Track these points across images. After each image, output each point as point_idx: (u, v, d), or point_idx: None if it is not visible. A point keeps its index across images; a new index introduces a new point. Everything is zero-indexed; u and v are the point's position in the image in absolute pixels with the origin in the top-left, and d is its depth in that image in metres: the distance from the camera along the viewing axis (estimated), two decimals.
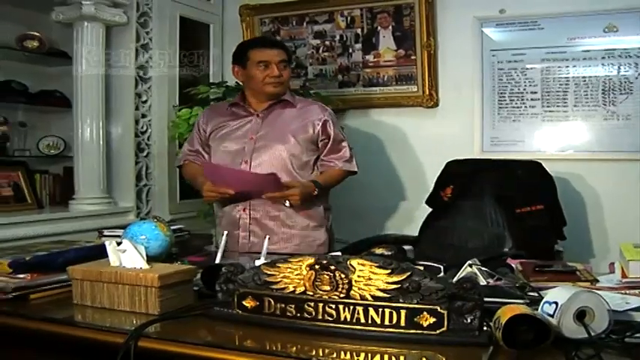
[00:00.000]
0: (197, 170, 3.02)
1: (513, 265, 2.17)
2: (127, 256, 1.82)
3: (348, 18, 4.29)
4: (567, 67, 3.80)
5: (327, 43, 4.36)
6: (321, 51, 4.39)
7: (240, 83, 3.18)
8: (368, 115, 4.32)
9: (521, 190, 3.24)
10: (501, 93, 3.97)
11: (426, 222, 3.37)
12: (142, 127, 4.04)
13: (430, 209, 3.46)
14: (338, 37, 4.33)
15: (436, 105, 4.11)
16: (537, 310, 1.47)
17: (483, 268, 1.99)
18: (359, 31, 4.26)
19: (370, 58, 4.25)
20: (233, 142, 2.94)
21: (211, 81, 4.26)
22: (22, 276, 1.92)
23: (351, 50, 4.30)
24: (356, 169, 3.03)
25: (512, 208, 3.14)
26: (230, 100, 3.17)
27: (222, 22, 4.68)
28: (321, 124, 2.92)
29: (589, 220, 3.79)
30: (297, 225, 2.92)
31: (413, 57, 4.12)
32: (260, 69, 2.87)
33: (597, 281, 1.98)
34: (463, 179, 3.33)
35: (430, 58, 4.05)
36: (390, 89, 4.21)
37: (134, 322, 1.66)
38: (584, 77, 3.78)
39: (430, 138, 4.10)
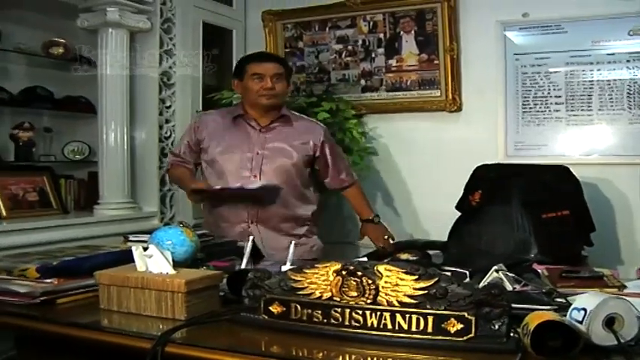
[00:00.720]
0: (184, 173, 3.18)
1: (539, 271, 2.16)
2: (154, 261, 1.83)
3: (371, 23, 4.28)
4: (592, 70, 3.77)
5: (350, 47, 4.36)
6: (343, 56, 4.39)
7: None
8: (391, 120, 4.30)
9: (548, 195, 3.21)
10: (525, 97, 3.94)
11: (455, 227, 3.36)
12: (166, 133, 4.07)
13: (457, 214, 3.45)
14: (360, 42, 4.33)
15: (459, 109, 4.09)
16: (565, 316, 1.46)
17: (509, 274, 1.99)
18: (381, 35, 4.26)
19: (393, 62, 4.25)
20: (238, 155, 3.03)
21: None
22: (49, 281, 1.93)
23: (373, 55, 4.30)
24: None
25: (538, 213, 3.11)
26: (225, 109, 3.30)
27: (245, 27, 4.71)
28: (320, 144, 3.10)
29: (616, 226, 3.74)
30: (297, 234, 3.06)
31: (436, 61, 4.11)
32: (255, 81, 2.99)
33: (625, 287, 1.96)
34: (491, 184, 3.31)
35: (453, 62, 4.04)
36: (413, 94, 4.20)
37: (161, 327, 1.67)
38: (608, 81, 3.74)
39: (454, 143, 4.07)
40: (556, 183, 3.27)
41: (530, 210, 3.11)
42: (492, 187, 3.30)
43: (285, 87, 3.08)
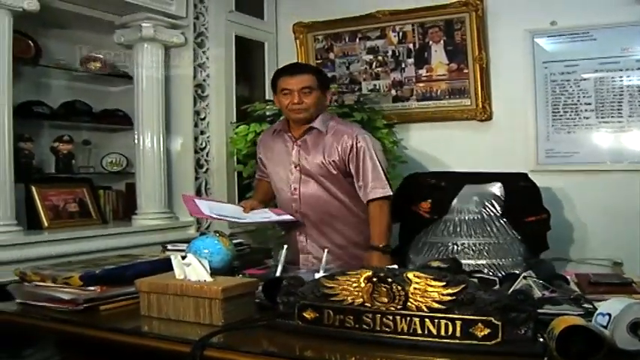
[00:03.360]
0: (260, 187, 3.27)
1: (568, 278, 2.18)
2: (192, 269, 1.89)
3: (400, 33, 4.33)
4: (621, 77, 3.78)
5: (380, 58, 4.42)
6: (374, 66, 4.44)
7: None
8: (422, 129, 4.35)
9: (523, 200, 3.22)
10: (555, 104, 3.95)
11: (407, 239, 3.33)
12: (201, 144, 4.16)
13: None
14: (390, 53, 4.38)
15: (490, 118, 4.12)
16: (591, 321, 1.49)
17: (539, 280, 2.01)
18: (411, 46, 4.31)
19: (423, 72, 4.30)
20: (281, 170, 3.05)
21: (267, 98, 4.35)
22: (92, 288, 2.01)
23: (403, 65, 4.35)
24: (389, 194, 2.95)
25: (520, 217, 3.12)
26: (278, 122, 3.26)
27: (277, 39, 4.79)
28: (347, 154, 2.92)
29: None
30: (349, 245, 3.01)
31: (465, 70, 4.14)
32: (285, 96, 2.93)
33: None
34: (443, 193, 3.26)
35: (482, 71, 4.07)
36: (443, 103, 4.25)
37: (199, 332, 1.72)
38: (638, 87, 3.74)
39: (485, 151, 4.09)
40: (525, 189, 3.27)
41: (513, 215, 3.11)
42: (447, 196, 3.25)
43: (315, 99, 2.93)
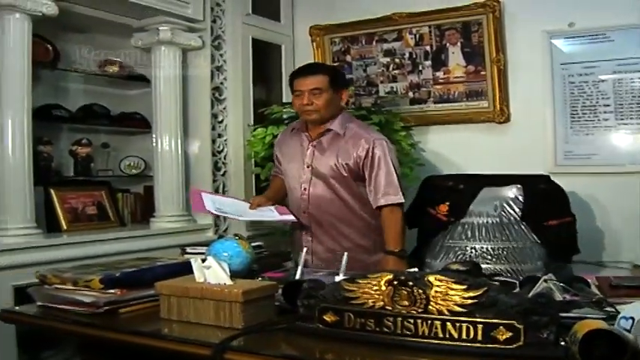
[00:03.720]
0: (273, 183, 3.29)
1: (589, 281, 2.16)
2: (212, 272, 1.90)
3: (417, 35, 4.32)
4: None
5: (397, 60, 4.41)
6: (391, 69, 4.43)
7: None
8: (440, 132, 4.33)
9: (545, 203, 3.18)
10: (573, 106, 3.92)
11: (423, 243, 3.28)
12: (219, 147, 4.17)
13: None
14: (407, 55, 4.37)
15: (508, 120, 4.10)
16: (614, 325, 1.48)
17: (559, 283, 2.00)
18: (428, 48, 4.30)
19: (440, 74, 4.28)
20: (294, 167, 3.07)
21: (284, 100, 4.36)
22: (112, 291, 2.02)
23: (420, 67, 4.33)
24: (401, 201, 2.95)
25: (540, 221, 3.08)
26: (295, 122, 3.28)
27: (293, 42, 4.79)
28: (361, 159, 2.92)
29: None
30: (355, 248, 2.96)
31: (483, 72, 4.13)
32: (296, 98, 2.97)
33: None
34: (460, 196, 3.21)
35: (500, 73, 4.05)
36: (461, 105, 4.23)
37: (219, 335, 1.72)
38: None
39: (503, 153, 4.06)
40: (546, 192, 3.24)
41: (533, 218, 3.08)
42: (465, 199, 3.20)
43: (326, 100, 2.93)
